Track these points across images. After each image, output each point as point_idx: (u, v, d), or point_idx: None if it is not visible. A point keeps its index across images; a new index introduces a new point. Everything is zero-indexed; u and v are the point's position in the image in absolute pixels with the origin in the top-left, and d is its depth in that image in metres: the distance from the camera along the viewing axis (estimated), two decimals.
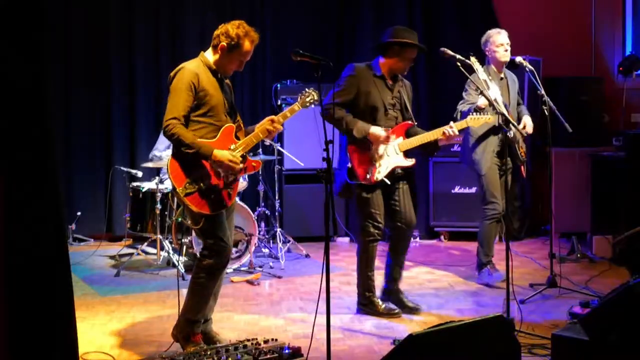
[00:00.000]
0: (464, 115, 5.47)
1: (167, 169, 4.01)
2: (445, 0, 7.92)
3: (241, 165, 4.04)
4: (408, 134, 4.89)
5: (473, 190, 7.30)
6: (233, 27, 4.07)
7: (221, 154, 3.96)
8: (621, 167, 6.58)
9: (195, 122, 4.03)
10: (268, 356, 3.71)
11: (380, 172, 4.76)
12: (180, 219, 6.30)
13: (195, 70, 4.04)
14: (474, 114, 5.14)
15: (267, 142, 5.86)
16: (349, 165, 4.77)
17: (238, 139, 4.16)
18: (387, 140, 4.75)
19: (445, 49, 4.68)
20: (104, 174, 7.54)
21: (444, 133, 4.80)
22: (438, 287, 5.72)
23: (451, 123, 4.85)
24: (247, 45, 4.08)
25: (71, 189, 7.51)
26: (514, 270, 5.22)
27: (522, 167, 5.78)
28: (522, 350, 3.74)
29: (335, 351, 4.01)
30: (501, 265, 5.69)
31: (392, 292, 5.01)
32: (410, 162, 4.87)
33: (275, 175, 7.06)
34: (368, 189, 4.79)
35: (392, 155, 4.81)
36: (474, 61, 4.68)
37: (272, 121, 4.15)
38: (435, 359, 3.25)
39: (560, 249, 6.44)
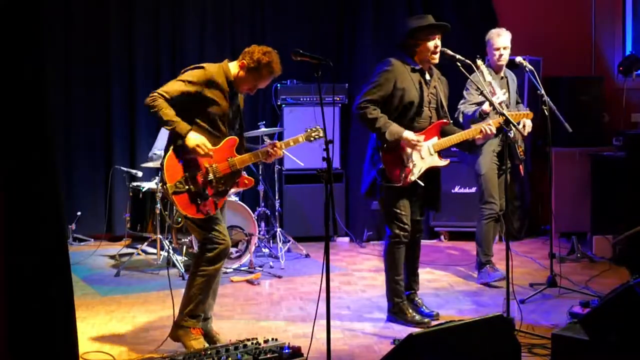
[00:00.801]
0: (467, 117, 5.46)
1: (164, 162, 4.05)
2: (446, 0, 7.92)
3: (207, 151, 4.01)
4: (443, 133, 4.71)
5: (473, 190, 7.29)
6: (260, 52, 4.18)
7: (193, 136, 3.98)
8: (621, 167, 6.58)
9: (198, 125, 4.08)
10: (268, 356, 3.71)
11: (414, 173, 4.59)
12: (180, 219, 6.31)
13: (215, 76, 4.09)
14: (480, 119, 5.14)
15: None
16: (382, 166, 4.58)
17: (240, 153, 4.23)
18: (418, 147, 4.58)
19: (446, 49, 4.65)
20: (104, 174, 7.54)
21: (481, 131, 4.65)
22: (438, 287, 5.72)
23: (489, 120, 4.72)
24: (264, 73, 4.17)
25: (71, 189, 7.51)
26: (514, 270, 5.22)
27: (521, 166, 5.78)
28: (522, 350, 3.74)
29: (335, 351, 4.01)
30: (501, 265, 5.69)
31: (409, 299, 4.88)
32: (445, 162, 4.69)
33: (276, 175, 7.06)
34: (396, 190, 4.62)
35: (426, 156, 4.63)
36: (480, 64, 4.67)
37: (274, 146, 4.23)
38: (435, 359, 3.25)
39: (560, 249, 6.44)
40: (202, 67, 4.10)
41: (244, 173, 4.26)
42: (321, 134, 4.29)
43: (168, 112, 3.97)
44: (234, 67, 4.19)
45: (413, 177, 4.60)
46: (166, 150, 4.07)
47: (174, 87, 4.03)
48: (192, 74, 4.07)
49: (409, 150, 4.58)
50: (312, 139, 4.37)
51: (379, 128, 4.52)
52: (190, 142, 3.97)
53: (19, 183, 2.87)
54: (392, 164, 4.58)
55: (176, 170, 4.03)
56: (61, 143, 7.35)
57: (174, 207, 4.11)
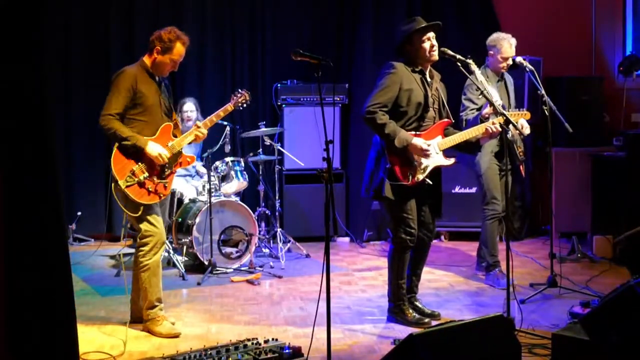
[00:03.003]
0: (469, 123, 5.43)
1: (111, 163, 4.48)
2: (445, 0, 7.93)
3: (166, 160, 4.52)
4: (446, 133, 4.71)
5: (473, 190, 7.30)
6: (165, 33, 4.57)
7: (152, 148, 4.47)
8: (621, 167, 6.58)
9: (132, 119, 4.52)
10: (268, 356, 3.71)
11: (422, 172, 4.58)
12: (180, 219, 6.31)
13: (135, 72, 4.54)
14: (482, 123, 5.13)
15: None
16: (388, 165, 4.55)
17: (175, 136, 4.67)
18: (426, 154, 4.56)
19: (446, 49, 4.65)
20: (104, 174, 7.53)
21: (486, 130, 4.64)
22: (438, 287, 5.72)
23: (493, 118, 4.70)
24: (178, 47, 4.56)
25: (71, 189, 7.52)
26: (515, 270, 5.22)
27: (521, 167, 5.78)
28: (522, 350, 3.74)
29: (335, 351, 4.01)
30: (502, 264, 5.70)
31: (409, 300, 4.87)
32: (450, 161, 4.67)
33: (276, 175, 7.06)
34: (403, 192, 4.60)
35: (432, 155, 4.61)
36: (472, 65, 4.65)
37: (197, 127, 4.72)
38: (436, 359, 3.25)
39: (560, 249, 6.45)
40: (123, 72, 4.55)
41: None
42: (247, 98, 5.03)
43: (124, 130, 4.44)
44: (147, 60, 4.63)
45: (421, 176, 4.59)
46: (111, 151, 4.49)
47: (117, 102, 4.46)
48: (120, 82, 4.50)
49: (417, 145, 4.55)
50: (239, 104, 5.00)
51: (388, 134, 4.50)
52: (153, 153, 4.46)
53: (19, 183, 2.87)
54: (399, 163, 4.57)
55: (123, 166, 4.47)
56: (61, 143, 7.35)
57: (119, 199, 4.56)
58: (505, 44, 5.69)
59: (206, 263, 6.02)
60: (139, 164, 4.49)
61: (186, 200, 6.49)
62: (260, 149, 6.81)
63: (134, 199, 4.48)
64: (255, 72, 7.84)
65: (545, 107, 5.37)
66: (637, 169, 6.42)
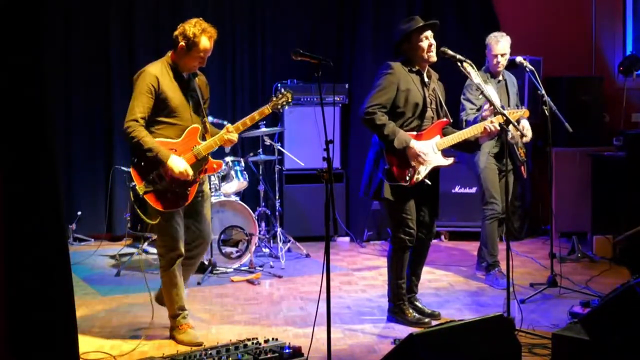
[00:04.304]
0: (469, 124, 5.43)
1: (131, 166, 4.22)
2: (445, 0, 7.93)
3: (190, 175, 4.18)
4: (444, 133, 4.70)
5: (473, 190, 7.30)
6: (190, 26, 4.20)
7: (175, 163, 4.13)
8: (622, 167, 6.58)
9: (159, 122, 4.22)
10: (269, 356, 3.71)
11: (420, 172, 4.57)
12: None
13: (156, 73, 4.20)
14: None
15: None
16: (387, 166, 4.54)
17: (204, 139, 4.33)
18: (421, 162, 4.54)
19: (446, 49, 4.64)
20: (104, 174, 7.54)
21: (485, 129, 4.63)
22: (438, 287, 5.72)
23: (492, 118, 4.69)
24: (204, 41, 4.20)
25: (71, 189, 7.52)
26: (515, 270, 5.22)
27: (523, 167, 5.78)
28: (522, 350, 3.74)
29: (335, 351, 4.01)
30: (502, 264, 5.70)
31: (409, 300, 4.87)
32: (449, 161, 4.67)
33: (276, 175, 7.06)
34: (402, 193, 4.59)
35: (431, 155, 4.60)
36: (466, 66, 4.64)
37: (227, 130, 4.33)
38: (436, 359, 3.24)
39: (560, 249, 6.44)
40: (143, 72, 4.22)
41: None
42: (290, 99, 4.41)
43: (147, 140, 4.12)
44: (172, 56, 4.29)
45: (420, 176, 4.58)
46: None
47: (139, 106, 4.15)
48: (140, 85, 4.18)
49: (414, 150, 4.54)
50: (280, 107, 4.41)
51: (387, 135, 4.49)
52: (175, 169, 4.13)
53: (18, 183, 2.87)
54: (398, 164, 4.56)
55: (143, 171, 4.18)
56: (61, 143, 7.34)
57: (143, 210, 4.28)
58: (492, 42, 5.71)
59: (206, 263, 6.02)
60: (159, 169, 4.18)
61: None
62: (261, 149, 6.81)
63: (151, 206, 4.21)
64: (255, 72, 7.83)
65: (545, 107, 5.37)
66: (637, 169, 6.42)
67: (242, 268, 6.20)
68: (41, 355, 2.94)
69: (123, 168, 6.94)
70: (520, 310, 4.61)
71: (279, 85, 7.50)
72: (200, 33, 4.18)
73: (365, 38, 7.74)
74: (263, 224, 6.94)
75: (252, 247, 6.26)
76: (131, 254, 6.60)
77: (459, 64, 4.61)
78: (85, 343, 4.29)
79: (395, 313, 4.77)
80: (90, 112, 7.61)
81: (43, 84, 2.93)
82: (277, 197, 7.06)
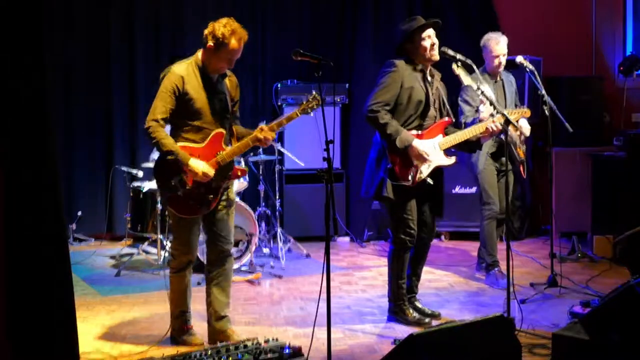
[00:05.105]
0: (469, 126, 5.43)
1: (154, 168, 4.17)
2: (445, 0, 7.93)
3: (211, 177, 4.08)
4: (447, 132, 4.69)
5: (473, 190, 7.30)
6: (220, 26, 4.07)
7: (196, 164, 4.03)
8: (622, 167, 6.58)
9: (182, 124, 4.12)
10: (269, 356, 3.71)
11: (422, 172, 4.57)
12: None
13: (182, 73, 4.08)
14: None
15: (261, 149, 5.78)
16: (389, 165, 4.54)
17: (230, 143, 4.22)
18: (425, 160, 4.55)
19: (446, 49, 4.64)
20: (104, 174, 7.54)
21: (487, 129, 4.64)
22: (438, 287, 5.72)
23: (494, 117, 4.68)
24: (233, 43, 4.07)
25: (71, 189, 7.52)
26: (515, 269, 5.22)
27: (522, 167, 5.78)
28: (522, 349, 3.74)
29: (335, 351, 4.01)
30: (502, 264, 5.70)
31: (409, 300, 4.87)
32: (451, 160, 4.66)
33: (276, 175, 7.06)
34: (404, 192, 4.59)
35: (433, 155, 4.60)
36: (455, 68, 4.62)
37: (262, 129, 4.16)
38: (436, 359, 3.25)
39: (560, 249, 6.44)
40: (168, 72, 4.12)
41: (237, 163, 4.23)
42: (320, 102, 4.14)
43: (167, 142, 4.01)
44: (200, 56, 4.16)
45: (422, 176, 4.58)
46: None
47: (161, 107, 4.04)
48: (164, 85, 4.07)
49: (417, 150, 4.54)
50: (309, 110, 4.20)
51: (390, 134, 4.49)
52: (197, 170, 4.02)
53: (19, 183, 2.87)
54: (400, 163, 4.56)
55: (165, 174, 4.10)
56: (61, 143, 7.34)
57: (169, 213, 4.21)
58: (492, 42, 5.70)
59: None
60: (182, 174, 4.08)
61: None
62: (261, 149, 6.81)
63: (171, 209, 4.15)
64: (255, 72, 7.83)
65: (545, 107, 5.37)
66: (637, 169, 6.42)
67: (243, 268, 6.20)
68: (41, 355, 2.94)
69: (123, 168, 6.96)
70: (520, 310, 4.61)
71: (278, 85, 7.50)
72: (230, 34, 4.05)
73: (365, 38, 7.75)
74: (263, 224, 6.94)
75: (253, 247, 6.26)
76: (131, 254, 6.60)
77: (459, 63, 4.59)
78: (85, 343, 4.29)
79: (396, 313, 4.78)
80: (90, 112, 7.61)
81: (43, 83, 2.93)
82: (277, 197, 7.06)
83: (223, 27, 4.05)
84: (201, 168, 4.03)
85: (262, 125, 4.21)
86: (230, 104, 4.27)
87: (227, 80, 4.29)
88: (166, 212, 4.07)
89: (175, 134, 4.13)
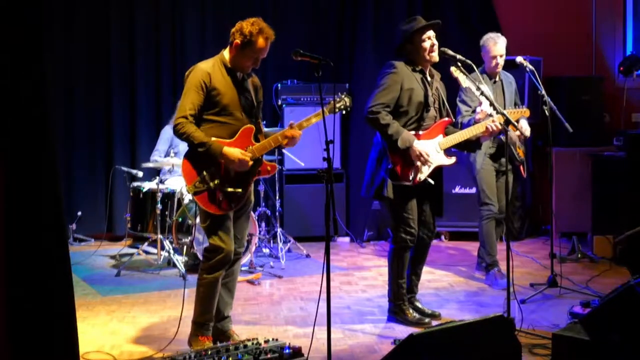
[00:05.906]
0: (464, 127, 5.43)
1: (181, 165, 4.06)
2: (445, 1, 7.93)
3: (248, 166, 4.02)
4: (447, 132, 4.69)
5: (473, 190, 7.27)
6: (247, 25, 4.07)
7: (231, 151, 3.97)
8: (622, 167, 6.58)
9: (210, 120, 4.06)
10: (269, 356, 3.71)
11: (423, 172, 4.57)
12: (181, 219, 6.31)
13: (208, 69, 4.05)
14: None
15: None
16: (390, 166, 4.54)
17: (258, 140, 4.15)
18: (426, 160, 4.54)
19: (446, 49, 4.64)
20: (104, 174, 7.55)
21: (487, 128, 4.65)
22: (438, 287, 5.72)
23: (494, 117, 4.68)
24: (260, 42, 4.08)
25: (71, 189, 7.52)
26: (515, 270, 5.22)
27: (522, 167, 5.78)
28: (522, 350, 3.74)
29: (335, 351, 4.01)
30: (502, 264, 5.70)
31: (409, 300, 4.86)
32: (451, 160, 4.67)
33: (276, 175, 7.06)
34: (404, 192, 4.60)
35: (434, 155, 4.60)
36: (454, 70, 4.63)
37: (291, 126, 4.15)
38: (436, 359, 3.24)
39: (560, 249, 6.45)
40: (194, 68, 4.08)
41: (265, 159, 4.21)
42: (348, 102, 4.21)
43: (197, 135, 3.95)
44: (227, 54, 4.15)
45: (423, 176, 4.58)
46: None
47: (189, 104, 3.99)
48: (191, 81, 4.03)
49: (418, 150, 4.54)
50: (337, 110, 4.21)
51: (391, 135, 4.49)
52: (233, 157, 3.96)
53: (18, 183, 2.87)
54: (401, 163, 4.56)
55: (192, 171, 4.02)
56: (62, 143, 7.35)
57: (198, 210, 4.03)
58: (490, 43, 5.70)
59: None
60: (212, 168, 4.01)
61: (186, 201, 6.48)
62: None
63: (201, 207, 4.05)
64: (256, 72, 7.81)
65: (545, 107, 5.37)
66: (637, 169, 6.42)
67: (243, 268, 6.19)
68: (41, 355, 2.94)
69: (123, 168, 6.96)
70: (520, 310, 4.61)
71: (278, 85, 7.50)
72: (257, 33, 4.05)
73: (365, 38, 7.75)
74: (263, 224, 6.94)
75: (253, 248, 6.26)
76: (131, 254, 6.60)
77: (459, 64, 4.60)
78: (85, 343, 4.29)
79: (396, 313, 4.78)
80: (90, 112, 7.61)
81: (43, 83, 2.93)
82: (277, 197, 7.06)
83: (251, 25, 4.07)
84: (237, 154, 3.98)
85: (292, 122, 4.21)
86: (255, 103, 4.25)
87: (250, 81, 4.28)
88: (196, 215, 3.81)
89: (203, 131, 4.05)
